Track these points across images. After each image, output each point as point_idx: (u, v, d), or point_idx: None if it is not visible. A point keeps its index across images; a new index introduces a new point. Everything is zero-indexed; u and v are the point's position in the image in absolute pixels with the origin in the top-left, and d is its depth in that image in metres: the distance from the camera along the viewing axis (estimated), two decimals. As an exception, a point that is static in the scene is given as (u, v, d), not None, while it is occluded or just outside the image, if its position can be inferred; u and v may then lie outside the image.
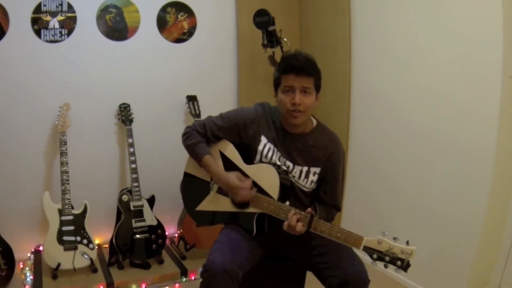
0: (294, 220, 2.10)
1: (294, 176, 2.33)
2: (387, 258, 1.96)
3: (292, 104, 2.16)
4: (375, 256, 1.98)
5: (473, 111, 2.76)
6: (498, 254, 3.08)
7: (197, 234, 3.46)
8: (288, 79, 2.18)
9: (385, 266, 1.97)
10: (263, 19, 3.47)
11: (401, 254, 1.94)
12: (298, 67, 2.15)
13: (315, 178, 2.33)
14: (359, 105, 3.65)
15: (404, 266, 1.94)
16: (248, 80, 3.99)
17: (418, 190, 3.18)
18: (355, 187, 3.74)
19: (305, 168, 2.32)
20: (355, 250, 2.10)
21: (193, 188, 2.54)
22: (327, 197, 2.39)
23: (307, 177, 2.32)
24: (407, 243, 1.95)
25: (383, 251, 1.96)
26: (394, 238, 1.96)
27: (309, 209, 2.12)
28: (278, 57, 3.53)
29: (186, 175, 2.57)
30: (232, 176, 2.30)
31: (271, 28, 3.48)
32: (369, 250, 1.99)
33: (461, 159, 2.86)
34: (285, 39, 3.57)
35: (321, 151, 2.32)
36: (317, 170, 2.33)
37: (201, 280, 2.13)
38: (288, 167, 2.32)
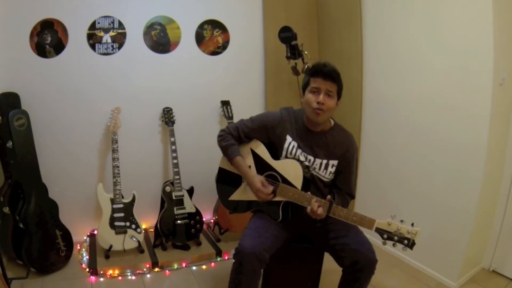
0: (316, 205, 2.20)
1: (315, 168, 2.42)
2: (396, 238, 2.06)
3: (317, 103, 2.26)
4: (385, 236, 2.08)
5: (467, 113, 2.83)
6: (489, 237, 3.19)
7: (230, 220, 3.55)
8: (316, 81, 2.29)
9: (394, 245, 2.08)
10: (287, 35, 3.54)
11: (407, 234, 2.04)
12: (325, 72, 2.26)
13: (333, 169, 2.43)
14: (370, 109, 3.72)
15: (410, 244, 2.05)
16: (274, 87, 4.04)
17: (421, 181, 3.24)
18: (366, 178, 3.80)
19: (324, 161, 2.41)
20: (367, 231, 2.20)
21: (226, 181, 2.63)
22: (343, 186, 2.49)
23: (326, 169, 2.42)
24: (412, 225, 2.05)
25: (392, 231, 2.07)
26: (401, 221, 2.07)
27: (329, 197, 2.21)
28: (299, 68, 3.65)
29: (221, 170, 2.67)
30: (257, 180, 2.40)
31: (293, 42, 3.55)
32: (380, 231, 2.09)
33: (457, 154, 2.93)
34: (305, 52, 3.64)
35: (338, 146, 2.42)
36: (335, 162, 2.42)
37: (233, 260, 2.25)
38: (310, 160, 2.41)
